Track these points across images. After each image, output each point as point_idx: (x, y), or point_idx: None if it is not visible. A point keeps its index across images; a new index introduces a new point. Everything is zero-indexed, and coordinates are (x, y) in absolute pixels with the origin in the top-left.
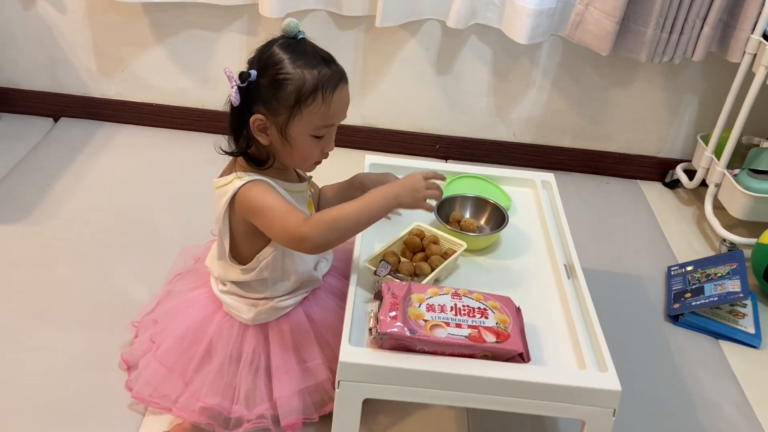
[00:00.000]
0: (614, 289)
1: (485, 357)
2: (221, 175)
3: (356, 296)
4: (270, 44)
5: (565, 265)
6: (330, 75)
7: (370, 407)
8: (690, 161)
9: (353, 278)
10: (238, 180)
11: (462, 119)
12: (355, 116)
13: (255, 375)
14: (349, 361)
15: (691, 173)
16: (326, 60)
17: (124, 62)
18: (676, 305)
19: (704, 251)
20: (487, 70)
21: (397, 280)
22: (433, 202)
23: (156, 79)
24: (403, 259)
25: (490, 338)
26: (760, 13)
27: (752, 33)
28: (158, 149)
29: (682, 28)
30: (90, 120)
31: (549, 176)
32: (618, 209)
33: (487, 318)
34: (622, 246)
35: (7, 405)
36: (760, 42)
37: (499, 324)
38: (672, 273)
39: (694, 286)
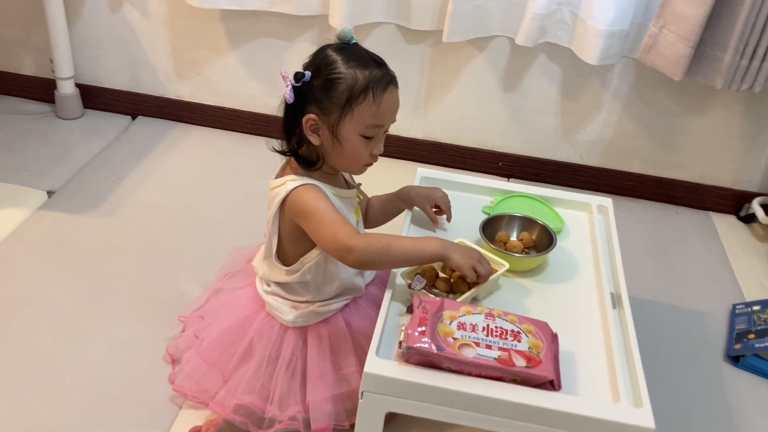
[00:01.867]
0: (672, 323)
1: (514, 381)
2: (276, 177)
3: (390, 308)
4: (324, 48)
5: (612, 294)
6: (381, 76)
7: (405, 420)
8: (767, 195)
9: (389, 290)
10: (291, 182)
11: (527, 138)
12: (417, 129)
13: (291, 377)
14: (373, 372)
15: None
16: (378, 62)
17: (199, 66)
18: (738, 346)
19: None
20: (555, 90)
21: (432, 296)
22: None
23: (228, 84)
24: (441, 275)
25: (520, 362)
26: None
27: None
28: (226, 152)
29: (765, 55)
30: (165, 120)
31: (606, 201)
32: (686, 240)
33: (519, 341)
34: (687, 279)
35: (53, 385)
36: None
37: (532, 349)
38: (737, 311)
39: (759, 327)
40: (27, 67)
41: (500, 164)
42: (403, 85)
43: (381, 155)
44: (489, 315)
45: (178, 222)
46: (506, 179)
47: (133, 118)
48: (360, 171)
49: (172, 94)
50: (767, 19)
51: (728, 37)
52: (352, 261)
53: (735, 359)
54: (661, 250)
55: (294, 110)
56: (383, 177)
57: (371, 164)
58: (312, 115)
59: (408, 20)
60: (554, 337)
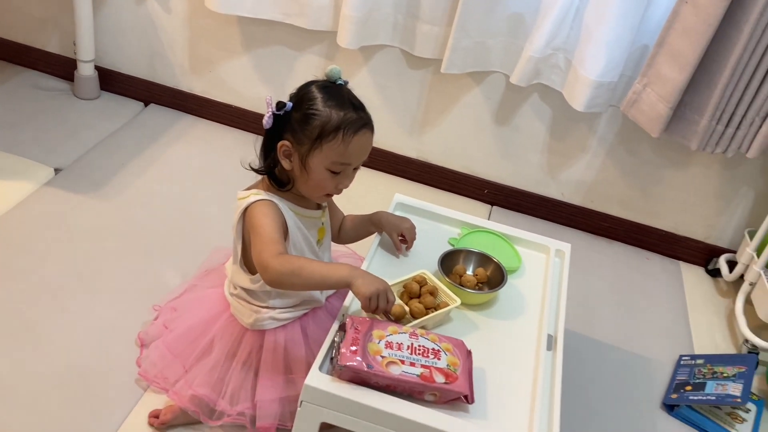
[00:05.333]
0: (619, 367)
1: (433, 395)
2: (247, 188)
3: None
4: (310, 84)
5: (549, 336)
6: (355, 119)
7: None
8: (735, 252)
9: (343, 308)
10: (255, 196)
11: (513, 170)
12: (411, 149)
13: (245, 375)
14: (312, 385)
15: (733, 265)
16: (356, 106)
17: (212, 64)
18: (674, 395)
19: (726, 347)
20: (545, 129)
21: (363, 315)
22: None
23: (238, 84)
24: (398, 301)
25: (439, 378)
26: None
27: None
28: (228, 148)
29: (740, 123)
30: (175, 110)
31: (565, 246)
32: (651, 287)
33: (439, 359)
34: (643, 325)
35: (30, 352)
36: None
37: (450, 366)
38: (681, 362)
39: (697, 380)
40: (53, 45)
41: (486, 192)
42: (401, 107)
43: (374, 168)
44: (413, 334)
45: (172, 213)
46: (489, 206)
47: (146, 104)
48: (322, 200)
49: (184, 86)
50: (744, 90)
51: (706, 103)
52: (266, 279)
53: (670, 408)
54: (625, 294)
55: (272, 134)
56: (373, 189)
57: (332, 196)
58: (286, 142)
59: (412, 46)
60: (468, 354)
